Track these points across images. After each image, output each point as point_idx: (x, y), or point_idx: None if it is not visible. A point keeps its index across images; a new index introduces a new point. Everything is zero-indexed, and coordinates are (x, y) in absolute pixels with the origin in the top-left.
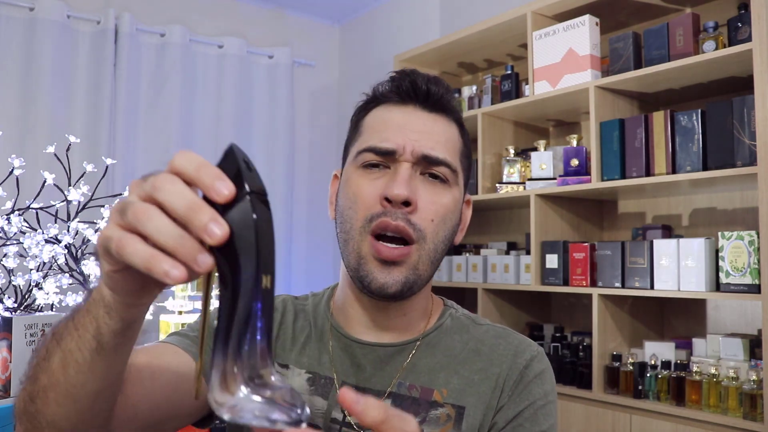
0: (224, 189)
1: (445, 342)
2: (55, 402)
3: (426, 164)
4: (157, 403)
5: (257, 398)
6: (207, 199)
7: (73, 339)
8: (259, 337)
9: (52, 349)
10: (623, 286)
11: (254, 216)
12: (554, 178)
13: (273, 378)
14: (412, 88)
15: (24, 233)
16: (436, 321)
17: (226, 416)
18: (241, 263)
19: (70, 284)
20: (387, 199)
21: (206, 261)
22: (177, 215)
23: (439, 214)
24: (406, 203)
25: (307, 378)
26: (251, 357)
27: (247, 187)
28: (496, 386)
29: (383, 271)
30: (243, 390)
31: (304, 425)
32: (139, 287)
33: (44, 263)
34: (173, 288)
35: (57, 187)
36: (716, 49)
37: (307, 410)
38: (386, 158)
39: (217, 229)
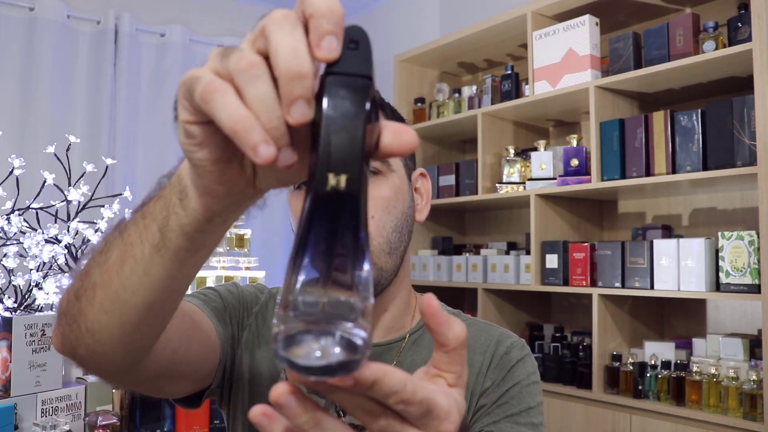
0: (331, 49)
1: (429, 339)
2: (101, 305)
3: None
4: (191, 357)
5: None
6: None
7: (137, 229)
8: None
9: (112, 240)
10: (623, 286)
11: (327, 99)
12: (554, 178)
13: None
14: None
15: (24, 233)
16: (420, 318)
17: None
18: (311, 158)
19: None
20: None
21: (289, 157)
22: (279, 76)
23: (378, 207)
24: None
25: None
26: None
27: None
28: (480, 372)
29: None
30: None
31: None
32: (218, 166)
33: (44, 263)
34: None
35: (57, 187)
36: (716, 49)
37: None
38: None
39: (299, 114)
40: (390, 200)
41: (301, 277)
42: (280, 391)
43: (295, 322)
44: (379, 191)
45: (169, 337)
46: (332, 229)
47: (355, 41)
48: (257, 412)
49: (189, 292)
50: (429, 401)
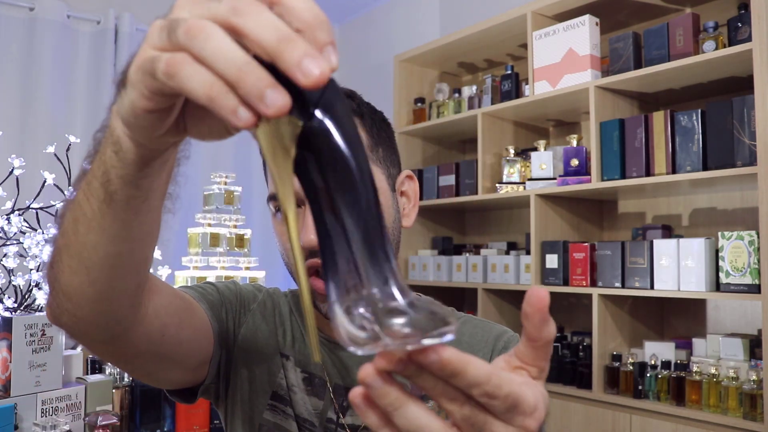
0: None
1: None
2: (69, 268)
3: None
4: (181, 339)
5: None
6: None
7: (82, 190)
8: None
9: (66, 204)
10: (623, 286)
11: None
12: (554, 178)
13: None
14: None
15: (24, 233)
16: None
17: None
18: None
19: None
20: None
21: (278, 100)
22: (262, 45)
23: None
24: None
25: (303, 378)
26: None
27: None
28: None
29: (323, 303)
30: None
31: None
32: (163, 128)
33: (44, 263)
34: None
35: (57, 187)
36: (716, 49)
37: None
38: None
39: (317, 68)
40: None
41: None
42: (367, 371)
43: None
44: None
45: (157, 311)
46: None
47: None
48: (357, 393)
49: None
50: (515, 396)
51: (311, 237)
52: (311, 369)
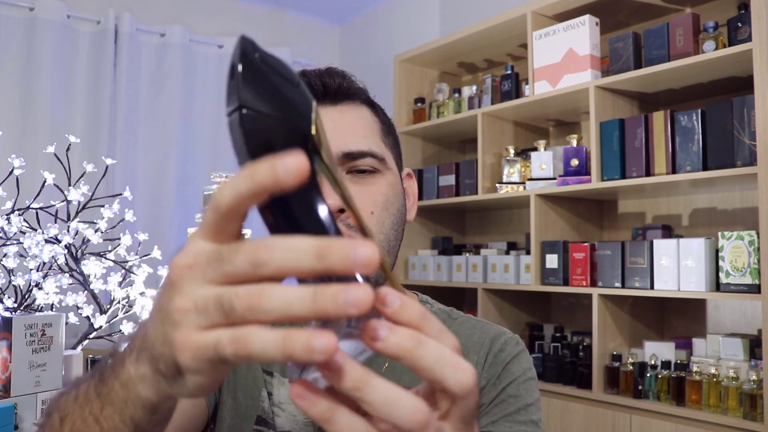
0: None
1: None
2: None
3: (350, 160)
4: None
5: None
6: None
7: (79, 405)
8: None
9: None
10: (623, 286)
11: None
12: (554, 178)
13: None
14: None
15: (24, 233)
16: None
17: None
18: None
19: (70, 284)
20: None
21: (361, 296)
22: (310, 272)
23: (378, 204)
24: (341, 210)
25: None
26: None
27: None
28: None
29: None
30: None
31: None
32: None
33: (44, 263)
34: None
35: (57, 187)
36: (716, 49)
37: None
38: None
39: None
40: (388, 196)
41: None
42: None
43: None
44: (378, 188)
45: None
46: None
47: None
48: (295, 393)
49: None
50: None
51: (330, 201)
52: (303, 375)
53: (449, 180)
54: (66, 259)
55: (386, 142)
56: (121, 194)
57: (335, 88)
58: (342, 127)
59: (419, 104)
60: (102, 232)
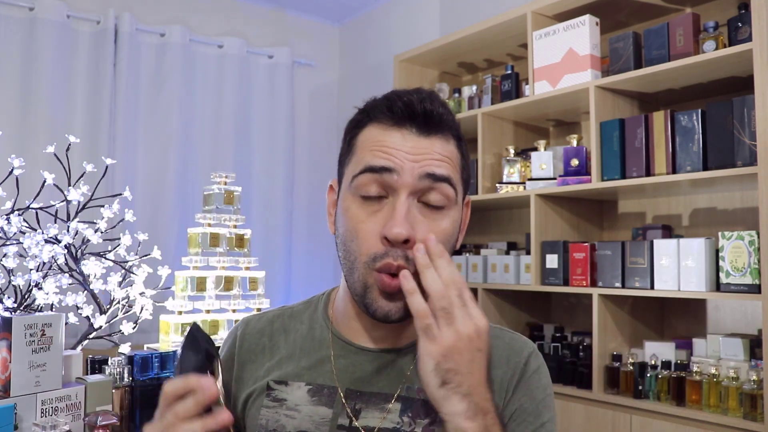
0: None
1: None
2: None
3: (427, 185)
4: None
5: None
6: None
7: None
8: None
9: None
10: (623, 286)
11: None
12: (554, 178)
13: None
14: (407, 110)
15: (24, 233)
16: None
17: None
18: None
19: (69, 284)
20: (387, 238)
21: None
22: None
23: (439, 241)
24: (406, 240)
25: (307, 390)
26: None
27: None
28: (500, 388)
29: (387, 300)
30: None
31: None
32: None
33: (44, 263)
34: (173, 288)
35: (57, 187)
36: (716, 49)
37: None
38: (383, 178)
39: None
40: (448, 235)
41: None
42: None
43: None
44: (441, 225)
45: None
46: None
47: None
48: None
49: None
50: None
51: (398, 230)
52: (315, 379)
53: None
54: (66, 259)
55: (462, 177)
56: (120, 194)
57: (433, 117)
58: (429, 154)
59: None
60: (102, 232)
